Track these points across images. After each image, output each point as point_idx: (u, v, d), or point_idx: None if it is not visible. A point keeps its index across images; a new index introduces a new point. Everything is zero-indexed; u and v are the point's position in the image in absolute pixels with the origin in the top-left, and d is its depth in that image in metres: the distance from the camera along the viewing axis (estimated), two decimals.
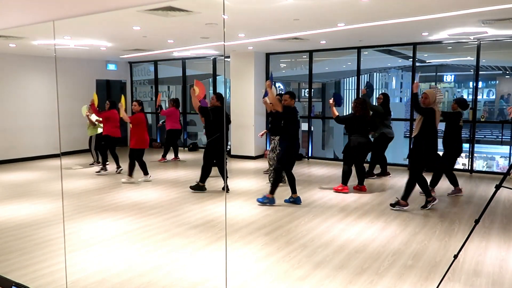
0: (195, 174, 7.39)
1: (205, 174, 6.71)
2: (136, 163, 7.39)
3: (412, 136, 5.65)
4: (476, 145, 8.40)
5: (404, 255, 4.16)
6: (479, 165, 9.53)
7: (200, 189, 6.71)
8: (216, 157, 6.72)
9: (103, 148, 8.18)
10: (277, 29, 6.75)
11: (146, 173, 7.47)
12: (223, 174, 6.88)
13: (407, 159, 6.05)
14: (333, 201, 6.21)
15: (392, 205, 5.73)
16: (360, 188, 6.76)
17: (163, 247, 4.40)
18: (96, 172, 8.15)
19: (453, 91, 9.63)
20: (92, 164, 8.82)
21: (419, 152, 5.51)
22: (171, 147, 9.74)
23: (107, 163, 8.34)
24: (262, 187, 7.06)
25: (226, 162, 9.21)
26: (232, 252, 4.26)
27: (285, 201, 6.05)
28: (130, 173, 7.39)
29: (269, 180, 7.12)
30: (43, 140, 9.54)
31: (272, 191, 5.95)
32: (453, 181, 6.37)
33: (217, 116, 6.67)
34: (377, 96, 7.80)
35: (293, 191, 6.04)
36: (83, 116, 8.59)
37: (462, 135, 6.44)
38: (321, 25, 6.34)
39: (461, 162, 8.11)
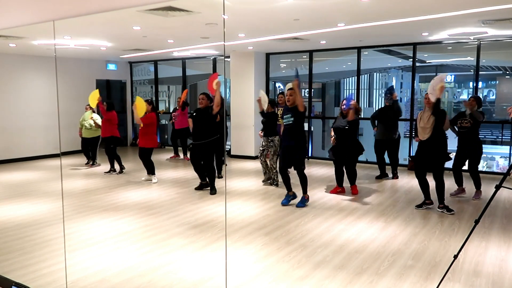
0: (194, 174, 7.38)
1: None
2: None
3: (426, 138, 5.52)
4: None
5: (404, 255, 4.16)
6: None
7: (202, 188, 6.87)
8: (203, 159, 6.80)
9: (113, 150, 8.14)
10: (277, 29, 6.75)
11: (151, 172, 7.50)
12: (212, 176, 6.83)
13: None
14: (333, 201, 6.21)
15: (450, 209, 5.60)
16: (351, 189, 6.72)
17: (163, 247, 4.40)
18: (106, 172, 8.19)
19: (453, 91, 9.64)
20: (87, 164, 8.78)
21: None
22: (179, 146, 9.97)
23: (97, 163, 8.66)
24: (262, 187, 7.06)
25: (226, 164, 9.23)
26: (232, 252, 4.26)
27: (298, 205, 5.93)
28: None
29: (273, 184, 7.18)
30: (43, 140, 9.55)
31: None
32: (460, 181, 6.40)
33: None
34: (384, 93, 7.78)
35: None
36: (87, 120, 8.51)
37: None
38: (321, 25, 6.34)
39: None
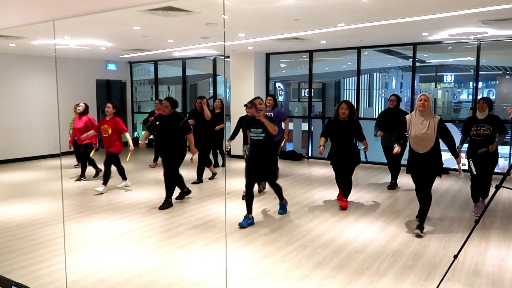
0: (194, 174, 7.39)
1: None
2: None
3: (428, 150, 4.64)
4: None
5: (404, 255, 4.16)
6: None
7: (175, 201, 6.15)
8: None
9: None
10: (277, 29, 6.75)
11: (125, 177, 7.08)
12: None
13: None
14: (332, 201, 6.21)
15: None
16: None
17: (163, 247, 4.40)
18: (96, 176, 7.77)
19: (453, 91, 9.64)
20: (77, 165, 8.20)
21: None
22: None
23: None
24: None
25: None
26: (232, 252, 4.26)
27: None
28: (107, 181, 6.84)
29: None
30: (43, 140, 9.54)
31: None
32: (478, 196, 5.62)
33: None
34: (388, 97, 7.10)
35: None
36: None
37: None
38: (321, 25, 6.34)
39: (461, 162, 8.10)
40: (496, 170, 8.61)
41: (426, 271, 3.78)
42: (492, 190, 3.34)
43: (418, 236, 4.63)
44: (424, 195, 4.79)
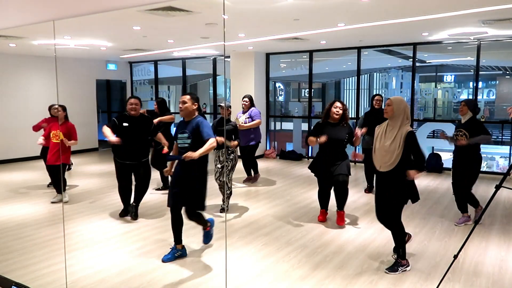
0: None
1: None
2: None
3: (391, 169, 3.63)
4: None
5: None
6: None
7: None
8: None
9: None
10: (277, 29, 6.75)
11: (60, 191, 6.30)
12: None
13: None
14: (333, 201, 6.20)
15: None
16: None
17: (163, 247, 4.40)
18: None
19: (453, 91, 9.65)
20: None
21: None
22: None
23: None
24: (262, 187, 7.06)
25: None
26: (232, 252, 4.26)
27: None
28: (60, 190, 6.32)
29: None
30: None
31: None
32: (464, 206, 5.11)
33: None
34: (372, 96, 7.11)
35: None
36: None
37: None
38: (321, 25, 6.34)
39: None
40: (496, 170, 8.58)
41: (426, 271, 3.78)
42: (491, 192, 3.33)
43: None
44: (389, 227, 3.85)
